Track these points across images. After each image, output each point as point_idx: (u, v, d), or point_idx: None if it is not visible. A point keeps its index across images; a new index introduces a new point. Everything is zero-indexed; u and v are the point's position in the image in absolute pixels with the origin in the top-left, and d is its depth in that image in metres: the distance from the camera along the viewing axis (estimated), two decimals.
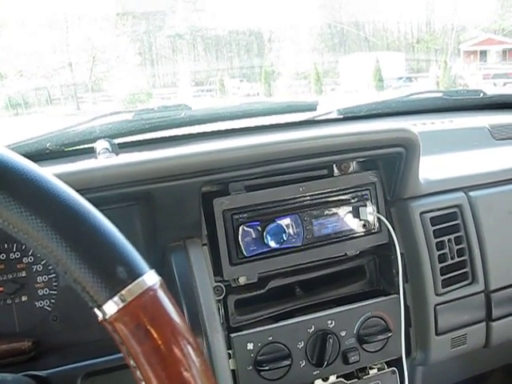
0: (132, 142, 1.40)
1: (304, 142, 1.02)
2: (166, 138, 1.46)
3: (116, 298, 0.44)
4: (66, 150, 1.34)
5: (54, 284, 0.99)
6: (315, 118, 1.64)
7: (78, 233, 0.45)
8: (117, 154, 1.12)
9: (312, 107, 1.60)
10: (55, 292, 0.99)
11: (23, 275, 0.98)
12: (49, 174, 0.46)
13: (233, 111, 1.51)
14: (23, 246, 0.98)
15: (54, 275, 0.99)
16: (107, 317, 0.44)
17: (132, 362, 0.45)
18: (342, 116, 1.65)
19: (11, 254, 0.97)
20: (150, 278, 0.46)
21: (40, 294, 0.99)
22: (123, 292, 0.44)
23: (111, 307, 0.44)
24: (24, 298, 0.98)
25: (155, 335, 0.44)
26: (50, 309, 0.99)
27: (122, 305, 0.44)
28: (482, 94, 1.81)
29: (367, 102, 1.71)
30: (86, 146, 1.33)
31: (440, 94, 1.85)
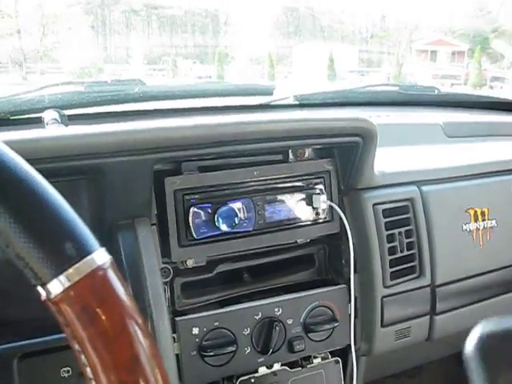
0: (82, 114, 1.35)
1: (261, 125, 0.99)
2: (117, 112, 1.41)
3: (62, 277, 0.40)
4: (11, 118, 1.27)
5: None
6: (271, 103, 1.62)
7: (23, 204, 0.41)
8: (66, 126, 1.07)
9: (269, 91, 1.59)
10: None
11: None
12: None
13: (188, 90, 1.47)
14: None
15: None
16: (52, 296, 0.40)
17: (77, 347, 0.41)
18: (298, 102, 1.63)
19: None
20: (100, 256, 0.42)
21: None
22: (70, 270, 0.40)
23: (56, 286, 0.40)
24: None
25: (103, 319, 0.41)
26: None
27: (68, 284, 0.40)
28: (436, 91, 1.83)
29: (324, 91, 1.70)
30: (33, 115, 1.27)
31: (396, 88, 1.86)
